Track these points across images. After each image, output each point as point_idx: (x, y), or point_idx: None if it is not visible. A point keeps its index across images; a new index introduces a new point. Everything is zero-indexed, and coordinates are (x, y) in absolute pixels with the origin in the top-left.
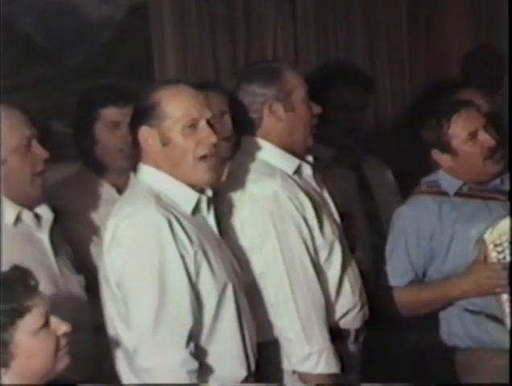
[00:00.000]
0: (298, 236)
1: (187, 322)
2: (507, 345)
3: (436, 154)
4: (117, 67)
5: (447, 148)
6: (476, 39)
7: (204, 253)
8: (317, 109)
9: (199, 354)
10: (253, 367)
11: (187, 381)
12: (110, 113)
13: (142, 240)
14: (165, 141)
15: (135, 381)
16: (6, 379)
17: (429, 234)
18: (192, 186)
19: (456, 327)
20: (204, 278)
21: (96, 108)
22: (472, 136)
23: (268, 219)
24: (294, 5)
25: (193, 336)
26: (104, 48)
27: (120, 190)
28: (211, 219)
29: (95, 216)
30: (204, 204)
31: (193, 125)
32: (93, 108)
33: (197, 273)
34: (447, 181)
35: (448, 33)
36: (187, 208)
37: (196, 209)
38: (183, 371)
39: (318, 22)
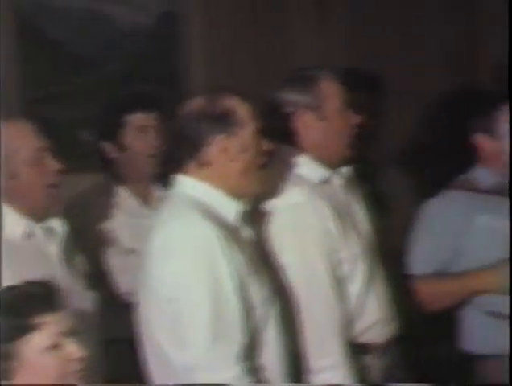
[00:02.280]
0: (317, 249)
1: (239, 338)
2: None
3: (480, 138)
4: (148, 75)
5: (491, 131)
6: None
7: (247, 267)
8: (356, 119)
9: (251, 369)
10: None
11: None
12: (137, 119)
13: (196, 253)
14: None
15: None
16: None
17: (456, 228)
18: (236, 197)
19: (479, 334)
20: (251, 292)
21: (122, 114)
22: None
23: (288, 231)
24: (321, 12)
25: (246, 352)
26: (135, 57)
27: (143, 200)
28: (249, 231)
29: (117, 226)
30: (244, 216)
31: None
32: (120, 115)
33: (245, 288)
34: (482, 176)
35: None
36: (232, 220)
37: (239, 220)
38: None
39: (346, 30)
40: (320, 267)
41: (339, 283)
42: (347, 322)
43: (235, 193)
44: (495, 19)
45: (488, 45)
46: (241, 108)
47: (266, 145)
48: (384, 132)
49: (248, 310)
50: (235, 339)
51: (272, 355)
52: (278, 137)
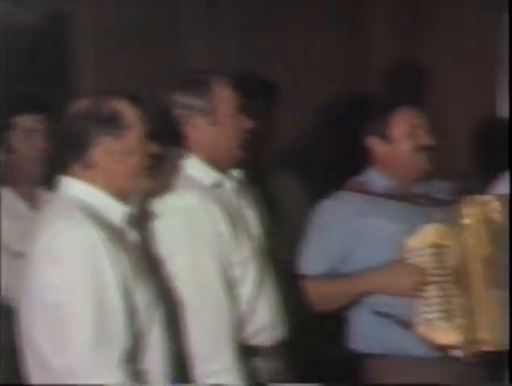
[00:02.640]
0: (208, 252)
1: (122, 343)
2: (416, 352)
3: (372, 141)
4: (36, 77)
5: (384, 135)
6: (398, 53)
7: (133, 270)
8: (248, 124)
9: (134, 373)
10: None
11: None
12: (25, 121)
13: (80, 257)
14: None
15: None
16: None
17: (348, 230)
18: (122, 200)
19: (365, 332)
20: (136, 296)
21: (10, 117)
22: (412, 130)
23: (179, 233)
24: (214, 15)
25: (129, 356)
26: (22, 58)
27: (30, 203)
28: (135, 233)
29: (4, 230)
30: (130, 218)
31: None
32: (7, 117)
33: (129, 292)
34: (375, 180)
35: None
36: (118, 223)
37: (125, 222)
38: None
39: (238, 33)
40: (211, 270)
41: (230, 286)
42: (238, 325)
43: (121, 195)
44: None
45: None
46: (128, 111)
47: (154, 148)
48: (277, 136)
49: (132, 314)
50: (118, 343)
51: (156, 358)
52: (170, 140)
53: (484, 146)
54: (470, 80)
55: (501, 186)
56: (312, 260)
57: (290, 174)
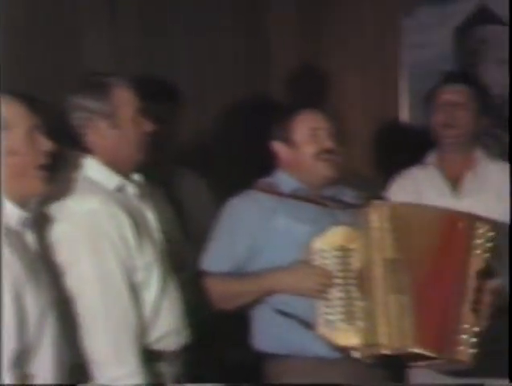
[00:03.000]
0: (113, 256)
1: (12, 346)
2: (317, 352)
3: (277, 145)
4: None
5: (288, 139)
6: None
7: (26, 274)
8: (150, 127)
9: (22, 377)
10: None
11: None
12: None
13: None
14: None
15: None
16: None
17: (256, 228)
18: (15, 202)
19: (266, 330)
20: (27, 301)
21: None
22: (314, 133)
23: (82, 237)
24: (115, 15)
25: (18, 360)
26: None
27: None
28: (32, 237)
29: None
30: (27, 221)
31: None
32: None
33: (21, 296)
34: (283, 181)
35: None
36: (13, 225)
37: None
38: None
39: (139, 35)
40: (116, 274)
41: (134, 290)
42: (142, 330)
43: (12, 197)
44: (286, 31)
45: (281, 57)
46: (8, 111)
47: (45, 145)
48: (182, 137)
49: (23, 319)
50: (7, 347)
51: (47, 363)
52: (71, 143)
53: (384, 149)
54: (369, 83)
55: (396, 189)
56: (217, 258)
57: (194, 175)
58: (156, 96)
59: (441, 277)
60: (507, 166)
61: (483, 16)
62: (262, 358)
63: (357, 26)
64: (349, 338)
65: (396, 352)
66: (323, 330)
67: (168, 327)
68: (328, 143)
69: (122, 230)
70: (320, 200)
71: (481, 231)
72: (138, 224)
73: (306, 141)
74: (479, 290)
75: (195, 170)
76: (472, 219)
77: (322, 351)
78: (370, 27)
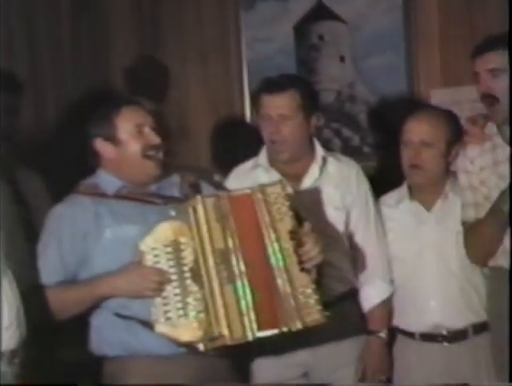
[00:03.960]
0: None
1: None
2: (159, 351)
3: (100, 143)
4: None
5: (111, 137)
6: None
7: None
8: (154, 140)
9: None
10: None
11: None
12: None
13: None
14: None
15: None
16: None
17: (83, 234)
18: None
19: (107, 335)
20: None
21: None
22: (138, 129)
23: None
24: None
25: None
26: None
27: None
28: None
29: None
30: None
31: None
32: None
33: None
34: (106, 181)
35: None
36: None
37: None
38: None
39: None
40: None
41: None
42: None
43: None
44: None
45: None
46: None
47: None
48: (22, 132)
49: None
50: None
51: None
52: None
53: (222, 143)
54: (210, 77)
55: (232, 182)
56: (48, 269)
57: (34, 173)
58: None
59: (264, 254)
60: (349, 159)
61: (321, 12)
62: (101, 360)
63: (198, 19)
64: (189, 332)
65: (239, 341)
66: (163, 328)
67: (4, 324)
68: (154, 139)
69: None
70: (146, 198)
71: (274, 195)
72: None
73: (131, 138)
74: (299, 247)
75: (34, 168)
76: (262, 188)
77: (163, 349)
78: (212, 21)
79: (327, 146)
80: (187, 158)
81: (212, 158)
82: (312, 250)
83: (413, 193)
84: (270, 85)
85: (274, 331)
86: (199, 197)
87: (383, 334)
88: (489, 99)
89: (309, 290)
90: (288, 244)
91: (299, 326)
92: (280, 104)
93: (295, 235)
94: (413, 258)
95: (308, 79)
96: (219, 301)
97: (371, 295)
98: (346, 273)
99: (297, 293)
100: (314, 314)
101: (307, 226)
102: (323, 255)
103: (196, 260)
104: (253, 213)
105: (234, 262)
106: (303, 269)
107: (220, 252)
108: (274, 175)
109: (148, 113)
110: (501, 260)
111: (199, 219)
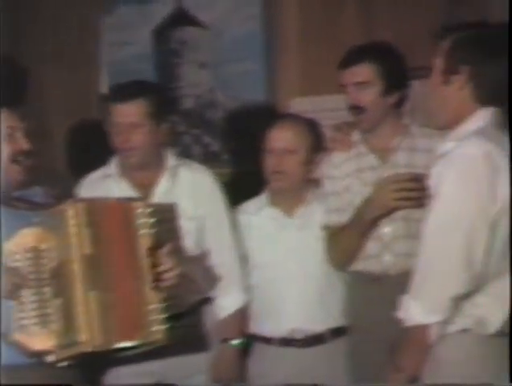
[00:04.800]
0: None
1: None
2: (11, 359)
3: None
4: None
5: None
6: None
7: None
8: (25, 146)
9: None
10: None
11: None
12: None
13: None
14: None
15: None
16: None
17: None
18: None
19: None
20: None
21: None
22: (10, 133)
23: None
24: None
25: None
26: None
27: None
28: None
29: None
30: None
31: None
32: None
33: None
34: None
35: None
36: None
37: None
38: None
39: None
40: None
41: None
42: None
43: None
44: None
45: None
46: None
47: None
48: None
49: None
50: None
51: None
52: None
53: (79, 148)
54: (69, 81)
55: (83, 191)
56: None
57: None
58: None
59: (127, 266)
60: (203, 167)
61: (181, 18)
62: None
63: (58, 22)
64: (44, 341)
65: (97, 349)
66: (17, 336)
67: None
68: (25, 144)
69: None
70: (9, 202)
71: (140, 210)
72: None
73: (1, 141)
74: (154, 266)
75: None
76: (130, 202)
77: (15, 358)
78: (71, 24)
79: (186, 152)
80: (43, 160)
81: (68, 161)
82: (168, 272)
83: (274, 200)
84: (119, 93)
85: (132, 343)
86: (71, 201)
87: (236, 342)
88: (357, 110)
89: (156, 309)
90: (145, 261)
91: (142, 341)
92: (128, 112)
93: (153, 252)
94: (274, 264)
95: (168, 84)
96: (81, 309)
97: (225, 304)
98: (200, 284)
99: (146, 310)
100: (156, 334)
101: (167, 248)
102: (178, 277)
103: (59, 267)
104: (122, 223)
105: (102, 270)
106: (155, 287)
107: (88, 258)
108: (125, 185)
109: (22, 117)
110: (361, 265)
111: (67, 223)
